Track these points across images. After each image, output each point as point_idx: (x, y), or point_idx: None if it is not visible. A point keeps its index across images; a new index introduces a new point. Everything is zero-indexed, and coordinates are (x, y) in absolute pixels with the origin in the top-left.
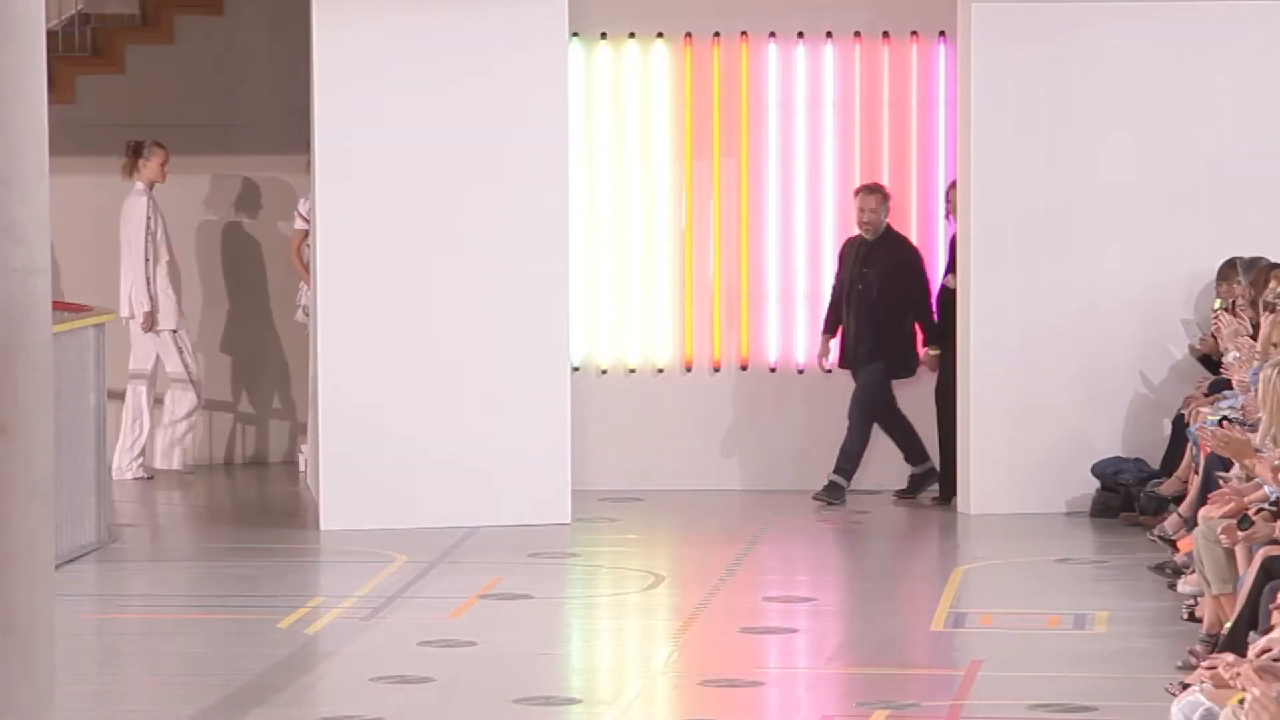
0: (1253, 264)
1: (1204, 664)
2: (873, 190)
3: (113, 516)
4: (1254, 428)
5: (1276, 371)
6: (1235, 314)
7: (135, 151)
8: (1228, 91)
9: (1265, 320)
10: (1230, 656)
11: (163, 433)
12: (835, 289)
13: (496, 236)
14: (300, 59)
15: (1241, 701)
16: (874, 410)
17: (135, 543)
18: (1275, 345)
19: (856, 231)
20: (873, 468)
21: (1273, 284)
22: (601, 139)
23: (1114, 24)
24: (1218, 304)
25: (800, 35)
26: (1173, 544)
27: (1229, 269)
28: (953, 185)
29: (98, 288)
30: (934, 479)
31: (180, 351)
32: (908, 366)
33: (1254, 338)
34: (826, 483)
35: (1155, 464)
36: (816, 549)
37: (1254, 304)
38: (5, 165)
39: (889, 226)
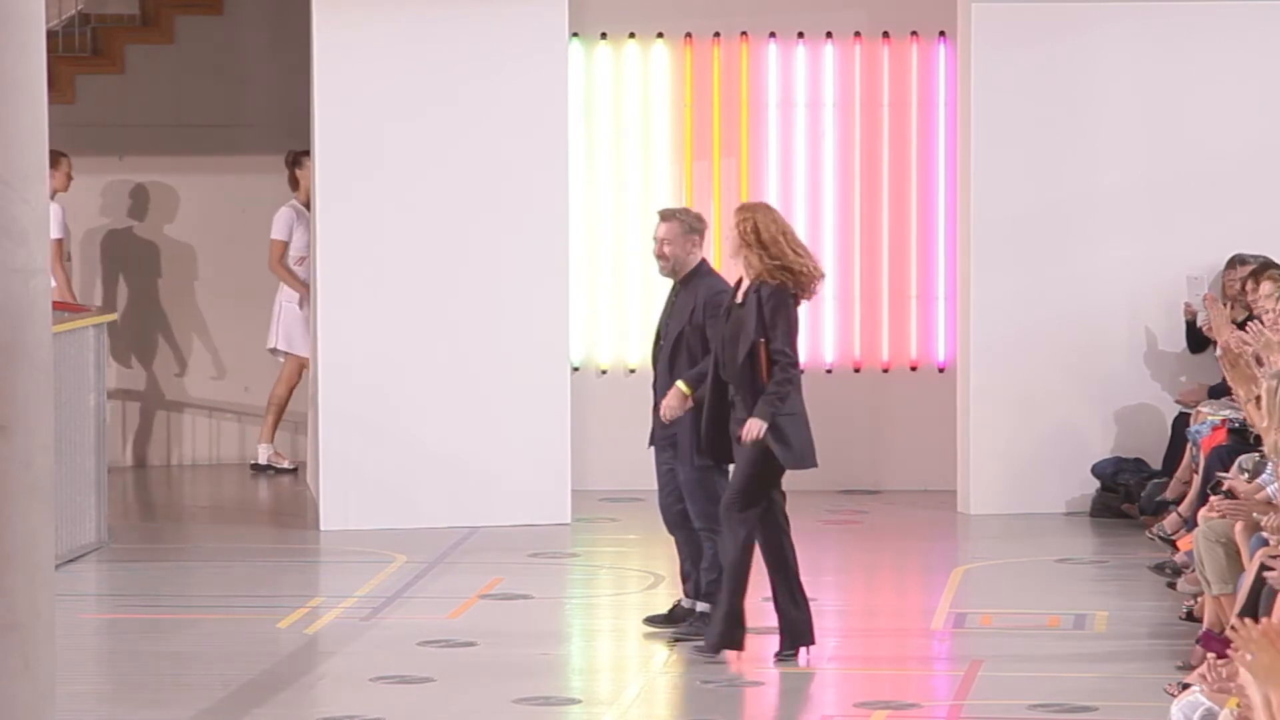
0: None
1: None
2: (671, 215)
3: (112, 516)
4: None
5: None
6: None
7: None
8: (1228, 91)
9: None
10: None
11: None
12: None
13: (496, 237)
14: (300, 59)
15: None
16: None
17: (135, 543)
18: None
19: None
20: (874, 468)
21: (1265, 285)
22: (601, 139)
23: (1114, 24)
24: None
25: (800, 35)
26: (1172, 544)
27: (1236, 262)
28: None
29: (95, 287)
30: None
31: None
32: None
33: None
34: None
35: (1155, 464)
36: (816, 549)
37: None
38: (5, 165)
39: (704, 261)
